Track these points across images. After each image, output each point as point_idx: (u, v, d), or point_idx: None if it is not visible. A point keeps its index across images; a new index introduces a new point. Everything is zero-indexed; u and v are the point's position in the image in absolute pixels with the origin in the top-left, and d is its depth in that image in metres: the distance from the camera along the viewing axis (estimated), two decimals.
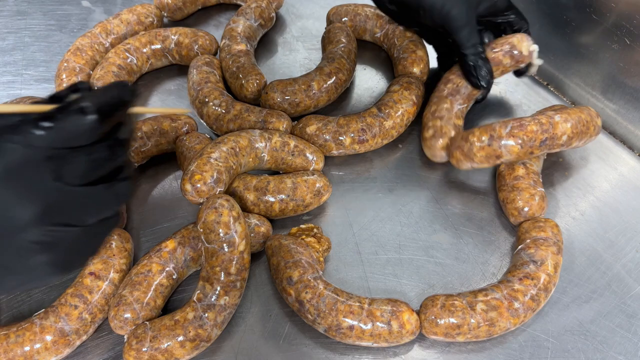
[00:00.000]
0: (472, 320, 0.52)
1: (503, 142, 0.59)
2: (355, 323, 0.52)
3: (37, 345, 0.51)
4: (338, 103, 0.76)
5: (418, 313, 0.54)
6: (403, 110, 0.68)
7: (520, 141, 0.59)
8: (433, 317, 0.53)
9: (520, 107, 0.76)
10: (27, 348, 0.51)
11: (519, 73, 0.72)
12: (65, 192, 0.35)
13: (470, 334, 0.53)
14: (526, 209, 0.61)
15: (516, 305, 0.53)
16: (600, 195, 0.67)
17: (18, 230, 0.34)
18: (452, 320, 0.52)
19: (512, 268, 0.57)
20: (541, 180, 0.64)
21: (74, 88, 0.39)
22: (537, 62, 0.69)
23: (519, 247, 0.59)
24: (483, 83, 0.65)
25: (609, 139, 0.73)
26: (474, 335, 0.53)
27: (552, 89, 0.79)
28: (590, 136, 0.63)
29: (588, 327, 0.56)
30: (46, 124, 0.34)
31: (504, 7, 0.67)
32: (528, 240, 0.58)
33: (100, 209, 0.37)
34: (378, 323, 0.52)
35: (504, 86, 0.78)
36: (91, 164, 0.36)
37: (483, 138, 0.60)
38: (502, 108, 0.76)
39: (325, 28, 0.80)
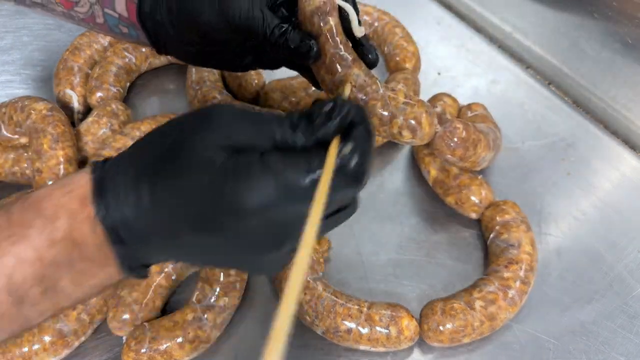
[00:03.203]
0: (475, 320, 0.52)
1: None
2: (353, 326, 0.51)
3: (36, 346, 0.51)
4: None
5: (420, 317, 0.54)
6: None
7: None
8: (436, 324, 0.52)
9: (522, 106, 0.76)
10: (25, 349, 0.51)
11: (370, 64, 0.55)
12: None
13: (475, 333, 0.53)
14: (481, 199, 0.61)
15: (510, 293, 0.54)
16: (602, 195, 0.67)
17: (261, 255, 0.37)
18: (456, 324, 0.52)
19: (493, 257, 0.58)
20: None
21: (328, 114, 0.36)
22: (350, 10, 0.53)
23: (491, 236, 0.59)
24: (312, 53, 0.49)
25: (611, 138, 0.73)
26: (478, 333, 0.53)
27: (553, 89, 0.79)
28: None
29: (590, 328, 0.56)
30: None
31: None
32: (497, 227, 0.59)
33: (330, 230, 0.40)
34: (376, 327, 0.51)
35: (504, 86, 0.78)
36: (337, 209, 0.38)
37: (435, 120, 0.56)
38: (503, 108, 0.75)
39: None
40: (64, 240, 0.34)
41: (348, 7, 0.52)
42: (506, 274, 0.55)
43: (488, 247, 0.60)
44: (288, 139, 0.35)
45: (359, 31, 0.53)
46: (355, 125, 0.36)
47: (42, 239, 0.33)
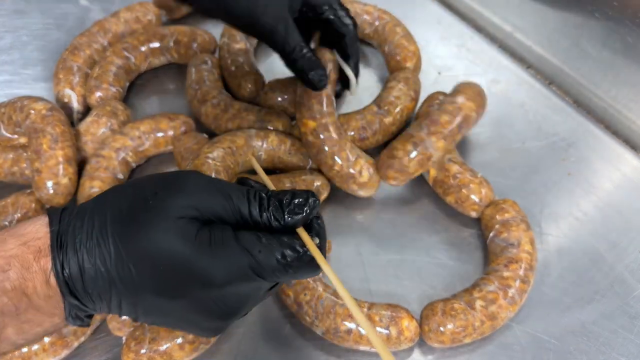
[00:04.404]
0: (475, 320, 0.52)
1: (427, 143, 0.60)
2: (353, 327, 0.51)
3: (35, 347, 0.51)
4: (336, 101, 0.76)
5: (420, 318, 0.54)
6: (402, 106, 0.68)
7: (441, 135, 0.60)
8: (436, 325, 0.52)
9: (522, 106, 0.75)
10: (24, 349, 0.50)
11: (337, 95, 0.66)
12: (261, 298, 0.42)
13: (476, 332, 0.52)
14: (481, 197, 0.61)
15: (510, 292, 0.54)
16: (603, 195, 0.66)
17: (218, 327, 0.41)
18: (456, 324, 0.52)
19: (493, 257, 0.58)
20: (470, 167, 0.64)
21: (310, 206, 0.39)
22: (351, 77, 0.64)
23: (491, 235, 0.59)
24: (321, 84, 0.56)
25: (611, 138, 0.72)
26: (479, 333, 0.53)
27: (554, 89, 0.78)
28: (485, 107, 0.66)
29: (590, 329, 0.56)
30: (287, 274, 0.37)
31: (319, 2, 0.59)
32: (497, 226, 0.59)
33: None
34: (377, 328, 0.51)
35: (505, 86, 0.78)
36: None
37: (409, 149, 0.60)
38: (503, 108, 0.75)
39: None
40: (14, 290, 0.34)
41: (349, 74, 0.63)
42: (506, 273, 0.55)
43: (488, 246, 0.60)
44: (255, 216, 0.38)
45: (354, 93, 0.65)
46: (315, 219, 0.40)
47: None
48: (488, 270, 0.57)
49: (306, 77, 0.55)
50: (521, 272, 0.55)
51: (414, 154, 0.59)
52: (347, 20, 0.60)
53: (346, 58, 0.63)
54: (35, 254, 0.35)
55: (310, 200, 0.39)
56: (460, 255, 0.61)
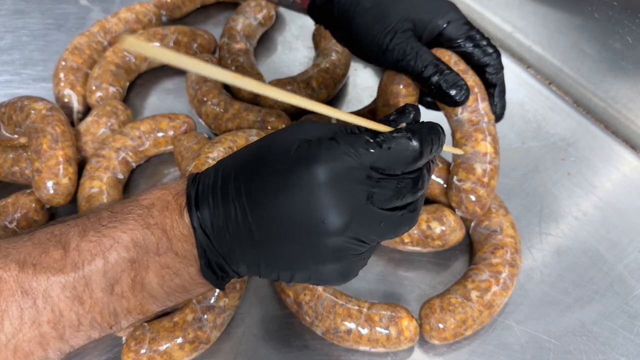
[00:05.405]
0: (474, 311, 0.52)
1: (487, 157, 0.55)
2: (353, 327, 0.51)
3: None
4: (336, 102, 0.76)
5: (419, 317, 0.54)
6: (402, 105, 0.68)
7: (493, 146, 0.56)
8: (437, 322, 0.52)
9: (522, 106, 0.75)
10: None
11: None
12: (371, 212, 0.36)
13: (476, 323, 0.53)
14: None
15: (502, 278, 0.54)
16: (603, 195, 0.66)
17: (325, 234, 0.35)
18: (456, 318, 0.52)
19: (478, 246, 0.58)
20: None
21: (402, 110, 0.40)
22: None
23: (472, 224, 0.60)
24: (461, 97, 0.52)
25: (611, 138, 0.72)
26: (479, 323, 0.53)
27: (553, 89, 0.79)
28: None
29: (590, 328, 0.56)
30: (378, 142, 0.36)
31: (456, 35, 0.54)
32: None
33: (388, 233, 0.39)
34: (376, 328, 0.51)
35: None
36: (398, 192, 0.37)
37: (479, 170, 0.55)
38: None
39: (315, 25, 0.80)
40: (156, 226, 0.37)
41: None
42: (494, 260, 0.55)
43: (471, 235, 0.60)
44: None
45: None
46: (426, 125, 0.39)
47: (138, 224, 0.36)
48: (476, 259, 0.57)
49: (445, 94, 0.52)
50: (508, 257, 0.55)
51: (485, 171, 0.55)
52: (490, 50, 0.56)
53: (489, 87, 0.57)
54: (175, 195, 0.38)
55: (409, 108, 0.39)
56: (460, 254, 0.61)
